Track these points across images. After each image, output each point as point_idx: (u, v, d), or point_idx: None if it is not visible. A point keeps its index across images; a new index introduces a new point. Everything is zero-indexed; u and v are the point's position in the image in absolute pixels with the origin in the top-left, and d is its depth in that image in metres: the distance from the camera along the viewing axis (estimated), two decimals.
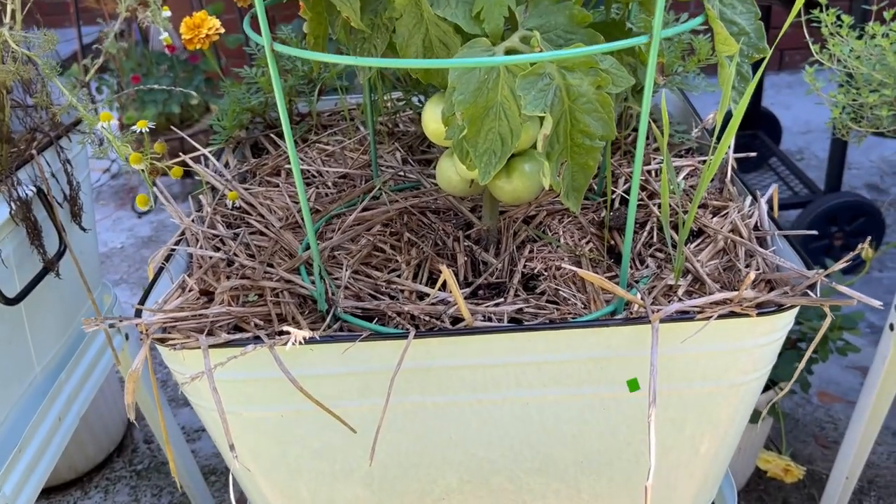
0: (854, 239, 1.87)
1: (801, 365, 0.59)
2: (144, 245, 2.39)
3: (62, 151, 0.93)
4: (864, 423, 1.09)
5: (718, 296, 0.54)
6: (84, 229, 0.96)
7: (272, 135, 0.93)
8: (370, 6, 0.64)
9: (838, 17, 0.93)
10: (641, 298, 0.57)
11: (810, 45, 0.96)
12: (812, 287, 0.56)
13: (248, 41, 0.99)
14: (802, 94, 2.91)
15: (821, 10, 0.94)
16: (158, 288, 0.65)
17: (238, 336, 0.57)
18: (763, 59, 0.54)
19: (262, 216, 0.75)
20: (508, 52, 0.53)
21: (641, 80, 0.69)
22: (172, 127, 0.97)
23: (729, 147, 0.74)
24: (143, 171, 0.65)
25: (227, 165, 0.86)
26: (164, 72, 2.51)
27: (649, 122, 0.52)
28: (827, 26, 0.93)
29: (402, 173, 0.83)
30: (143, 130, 0.69)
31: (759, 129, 2.22)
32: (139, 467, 1.55)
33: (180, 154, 0.81)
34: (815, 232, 0.66)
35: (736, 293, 0.54)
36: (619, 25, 0.64)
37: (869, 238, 0.59)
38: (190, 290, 0.64)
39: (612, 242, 0.69)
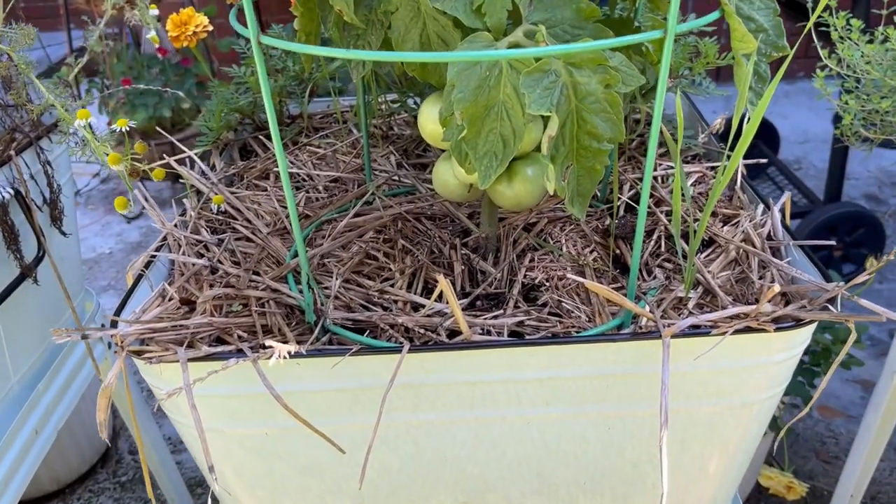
0: (854, 250, 1.85)
1: (822, 386, 0.56)
2: (133, 250, 2.35)
3: (42, 153, 0.89)
4: (869, 439, 1.06)
5: (734, 310, 0.51)
6: (64, 234, 0.92)
7: (261, 136, 0.89)
8: (365, 0, 0.61)
9: (848, 22, 0.90)
10: (651, 311, 0.54)
11: (819, 49, 0.93)
12: (832, 301, 0.53)
13: (240, 42, 0.96)
14: (800, 103, 2.90)
15: (830, 15, 0.91)
16: (137, 296, 0.61)
17: (220, 349, 0.53)
18: (784, 58, 0.50)
19: (249, 221, 0.71)
20: (512, 47, 0.50)
21: (650, 80, 0.66)
22: (159, 129, 0.93)
23: None
24: (122, 172, 0.62)
25: (213, 168, 0.82)
26: (156, 75, 2.47)
27: (659, 128, 0.49)
28: (837, 30, 0.90)
29: (396, 178, 0.80)
30: (124, 129, 0.66)
31: (758, 138, 2.20)
32: (123, 479, 1.50)
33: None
34: (832, 242, 0.63)
35: (753, 307, 0.50)
36: (627, 23, 0.61)
37: (892, 252, 0.56)
38: (170, 299, 0.60)
39: (618, 252, 0.66)
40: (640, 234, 0.52)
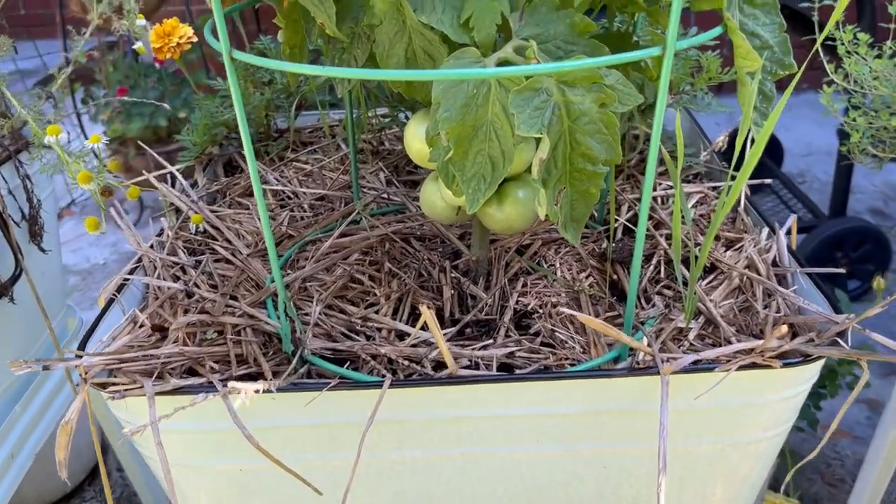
0: (859, 266, 1.81)
1: (833, 426, 0.52)
2: (128, 261, 2.32)
3: (21, 167, 0.86)
4: (879, 463, 1.02)
5: (737, 346, 0.47)
6: (44, 251, 0.89)
7: None
8: (351, 13, 0.58)
9: (855, 36, 0.87)
10: (649, 344, 0.50)
11: (825, 64, 0.90)
12: (842, 335, 0.50)
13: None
14: (804, 115, 2.86)
15: (837, 28, 0.88)
16: (108, 321, 0.58)
17: (189, 382, 0.50)
18: (792, 75, 0.47)
19: (229, 242, 0.68)
20: (501, 63, 0.47)
21: (648, 97, 0.63)
22: (141, 143, 0.90)
23: None
24: (93, 191, 0.59)
25: (195, 185, 0.79)
26: (153, 84, 2.45)
27: (659, 148, 0.46)
28: (843, 44, 0.87)
29: (385, 195, 0.77)
30: (97, 146, 0.63)
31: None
32: (111, 496, 1.47)
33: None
34: (842, 271, 0.60)
35: (758, 342, 0.47)
36: (625, 38, 0.58)
37: None
38: (141, 326, 0.57)
39: (615, 277, 0.63)
40: (637, 259, 0.49)
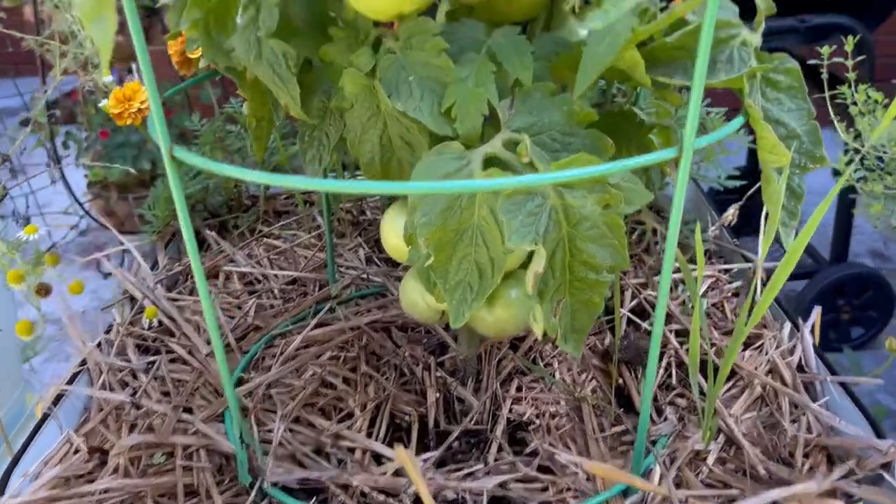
0: (862, 312, 1.75)
1: None
2: (110, 306, 2.23)
3: None
4: None
5: (771, 494, 0.40)
6: None
7: (214, 225, 0.79)
8: (321, 86, 0.52)
9: (868, 96, 0.82)
10: (661, 478, 0.43)
11: (836, 124, 0.85)
12: (887, 466, 0.43)
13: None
14: None
15: (848, 87, 0.83)
16: (41, 441, 0.51)
17: None
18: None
19: (188, 337, 0.61)
20: (488, 160, 0.40)
21: (655, 180, 0.57)
22: (107, 192, 0.83)
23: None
24: (25, 292, 0.51)
25: (155, 265, 0.72)
26: (136, 127, 2.38)
27: (674, 255, 0.39)
28: (856, 104, 0.82)
29: (364, 276, 0.70)
30: (33, 237, 0.56)
31: (757, 192, 2.11)
32: None
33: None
34: (880, 381, 0.52)
35: (795, 489, 0.40)
36: (628, 117, 0.52)
37: None
38: (76, 452, 0.49)
39: (620, 380, 0.56)
40: (651, 377, 0.42)
